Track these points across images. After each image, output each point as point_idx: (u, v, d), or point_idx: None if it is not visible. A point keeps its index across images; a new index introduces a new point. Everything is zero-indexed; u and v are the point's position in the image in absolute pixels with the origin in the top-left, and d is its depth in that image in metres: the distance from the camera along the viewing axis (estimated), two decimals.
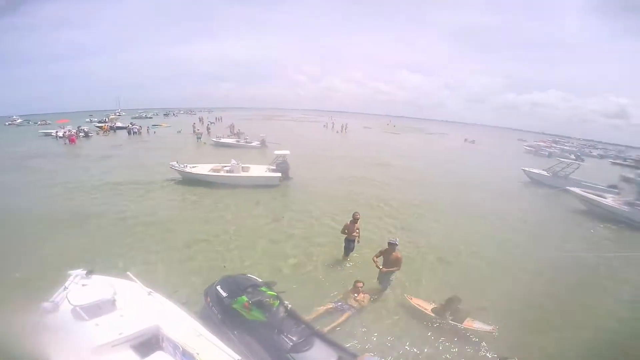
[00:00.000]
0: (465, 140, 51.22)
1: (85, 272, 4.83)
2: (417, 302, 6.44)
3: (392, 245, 6.59)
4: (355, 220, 7.95)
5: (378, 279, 7.00)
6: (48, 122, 46.33)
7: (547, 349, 5.75)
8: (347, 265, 8.13)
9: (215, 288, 5.57)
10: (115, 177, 15.73)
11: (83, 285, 4.57)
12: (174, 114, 78.24)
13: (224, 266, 7.53)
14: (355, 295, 6.19)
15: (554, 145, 56.34)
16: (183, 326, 4.33)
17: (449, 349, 5.48)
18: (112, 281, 4.81)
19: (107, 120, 45.36)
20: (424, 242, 9.93)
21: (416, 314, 6.28)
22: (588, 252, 10.13)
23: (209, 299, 5.51)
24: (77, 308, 4.09)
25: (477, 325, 5.77)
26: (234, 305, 5.06)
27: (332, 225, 10.35)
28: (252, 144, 27.86)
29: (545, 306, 7.09)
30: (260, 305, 4.93)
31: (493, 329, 5.67)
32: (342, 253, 8.31)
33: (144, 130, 35.12)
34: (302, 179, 16.52)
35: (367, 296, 6.33)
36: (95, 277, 4.84)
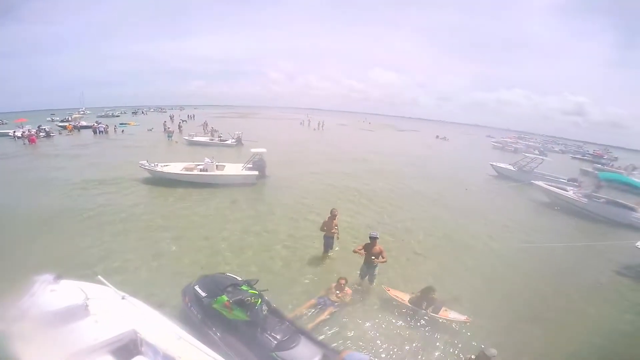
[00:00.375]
0: (437, 137, 53.55)
1: (52, 277, 4.56)
2: (394, 293, 6.61)
3: (373, 239, 6.69)
4: (333, 216, 8.00)
5: (360, 274, 7.08)
6: (5, 121, 43.10)
7: (520, 336, 6.06)
8: (328, 261, 8.18)
9: (193, 288, 5.43)
10: (80, 177, 14.85)
11: (51, 290, 4.31)
12: (143, 112, 75.05)
13: (201, 267, 7.35)
14: (338, 292, 6.24)
15: (520, 141, 59.15)
16: (162, 329, 4.19)
17: (427, 339, 5.66)
18: (82, 286, 4.57)
19: (69, 119, 42.90)
20: (400, 234, 10.22)
21: (394, 306, 6.44)
22: (552, 242, 10.77)
23: (187, 299, 5.37)
24: (48, 315, 3.87)
25: (452, 315, 6.00)
26: (214, 305, 4.95)
27: (311, 222, 10.41)
28: (227, 142, 27.31)
29: (515, 295, 7.47)
30: (241, 305, 4.82)
31: (467, 319, 5.91)
32: (322, 250, 8.36)
33: (111, 129, 33.55)
34: (279, 177, 16.42)
35: (349, 292, 6.40)
36: (64, 282, 4.58)
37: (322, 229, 8.12)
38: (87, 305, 4.20)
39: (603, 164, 37.37)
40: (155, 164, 14.49)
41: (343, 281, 6.32)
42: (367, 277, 7.02)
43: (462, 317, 5.95)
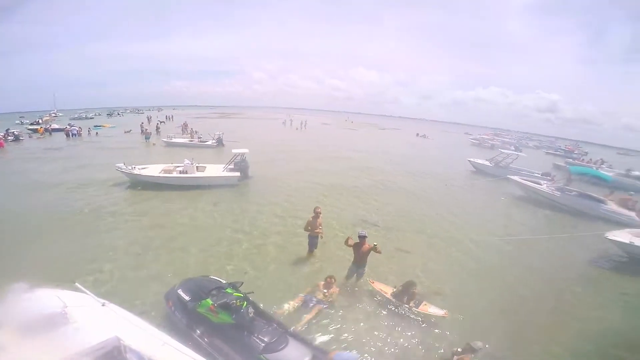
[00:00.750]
0: (417, 134, 54.81)
1: (27, 285, 4.36)
2: (378, 286, 6.76)
3: (362, 238, 6.75)
4: (317, 215, 7.97)
5: (348, 274, 7.06)
6: None
7: (499, 326, 6.27)
8: (313, 261, 8.17)
9: (177, 292, 5.35)
10: (52, 181, 14.26)
11: (27, 299, 4.14)
12: (119, 114, 72.62)
13: (184, 271, 7.16)
14: (326, 290, 6.26)
15: (496, 137, 60.90)
16: (145, 335, 4.08)
17: (410, 333, 5.76)
18: (59, 293, 4.42)
19: (40, 121, 41.02)
20: (384, 230, 10.36)
21: (379, 300, 6.56)
22: (528, 235, 11.25)
23: (170, 304, 5.28)
24: (25, 324, 3.71)
25: (432, 309, 6.15)
26: (199, 309, 4.89)
27: (294, 222, 10.38)
28: (208, 142, 26.78)
29: (494, 287, 7.72)
30: (227, 308, 4.78)
31: (445, 314, 6.07)
32: (307, 250, 8.34)
33: (84, 132, 32.31)
34: (263, 178, 16.30)
35: (336, 290, 6.42)
36: (40, 291, 4.41)
37: (306, 229, 8.08)
38: (65, 313, 4.05)
39: (574, 159, 38.98)
40: (133, 166, 14.02)
41: (330, 279, 6.35)
42: (355, 275, 7.05)
43: (441, 312, 6.10)
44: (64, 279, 6.15)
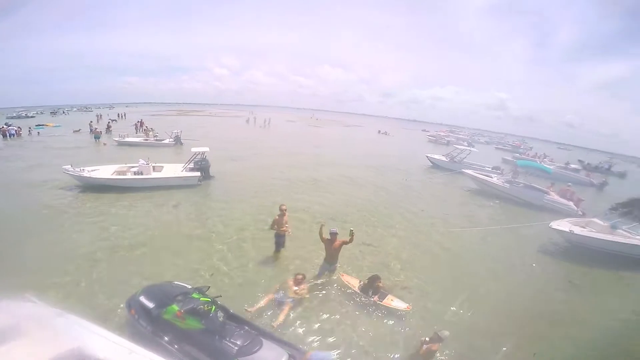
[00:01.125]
0: (379, 131, 56.46)
1: None
2: (347, 279, 6.92)
3: (333, 235, 6.80)
4: (283, 213, 7.85)
5: (319, 272, 7.09)
6: None
7: (459, 315, 6.67)
8: (281, 259, 8.09)
9: (139, 299, 5.09)
10: None
11: None
12: (64, 112, 66.75)
13: (145, 277, 6.77)
14: (296, 287, 6.23)
15: (451, 134, 64.23)
16: (110, 345, 3.84)
17: (377, 326, 5.94)
18: (8, 305, 4.03)
19: None
20: (350, 225, 10.45)
21: (348, 294, 6.69)
22: (482, 226, 11.97)
23: (133, 312, 5.01)
24: None
25: (396, 303, 6.36)
26: (165, 316, 4.70)
27: (261, 221, 10.21)
28: (165, 141, 25.48)
29: (455, 277, 8.14)
30: (194, 313, 4.63)
31: (408, 307, 6.30)
32: (274, 249, 8.22)
33: (24, 132, 29.34)
34: (225, 177, 15.90)
35: (306, 287, 6.42)
36: None
37: (272, 227, 7.93)
38: (18, 325, 3.69)
39: (521, 153, 42.29)
40: (82, 168, 12.90)
41: (300, 276, 6.35)
42: (327, 272, 7.08)
43: (404, 306, 6.31)
44: (11, 288, 5.62)
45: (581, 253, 10.18)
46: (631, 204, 11.69)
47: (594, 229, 10.87)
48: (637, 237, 10.37)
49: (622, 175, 35.52)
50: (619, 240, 10.22)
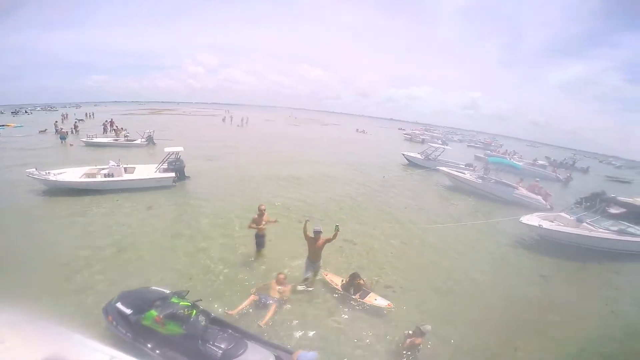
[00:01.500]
0: (357, 130, 57.42)
1: None
2: (330, 277, 6.98)
3: (317, 233, 6.73)
4: (261, 213, 7.70)
5: (305, 270, 6.98)
6: None
7: (440, 310, 6.85)
8: (262, 260, 7.95)
9: (115, 306, 4.89)
10: None
11: None
12: (26, 112, 62.75)
13: (120, 283, 6.46)
14: (279, 287, 6.16)
15: (426, 132, 66.03)
16: (90, 352, 3.68)
17: (360, 323, 5.97)
18: None
19: None
20: (332, 222, 10.49)
21: (331, 293, 6.74)
22: (456, 222, 12.37)
23: (111, 318, 4.81)
24: None
25: (377, 301, 6.43)
26: (144, 322, 4.53)
27: (238, 222, 10.02)
28: (136, 141, 24.47)
29: (434, 273, 8.38)
30: (174, 318, 4.50)
31: (389, 305, 6.39)
32: (254, 249, 8.07)
33: None
34: (201, 177, 15.52)
35: (289, 287, 6.36)
36: None
37: (250, 226, 7.72)
38: None
39: (492, 151, 44.07)
40: (47, 172, 12.15)
41: (282, 276, 6.29)
42: (310, 270, 7.00)
43: (385, 303, 6.39)
44: None
45: (551, 246, 10.67)
46: (593, 198, 12.36)
47: (562, 223, 11.44)
48: (600, 230, 10.99)
49: (585, 171, 38.25)
50: (584, 234, 10.78)
